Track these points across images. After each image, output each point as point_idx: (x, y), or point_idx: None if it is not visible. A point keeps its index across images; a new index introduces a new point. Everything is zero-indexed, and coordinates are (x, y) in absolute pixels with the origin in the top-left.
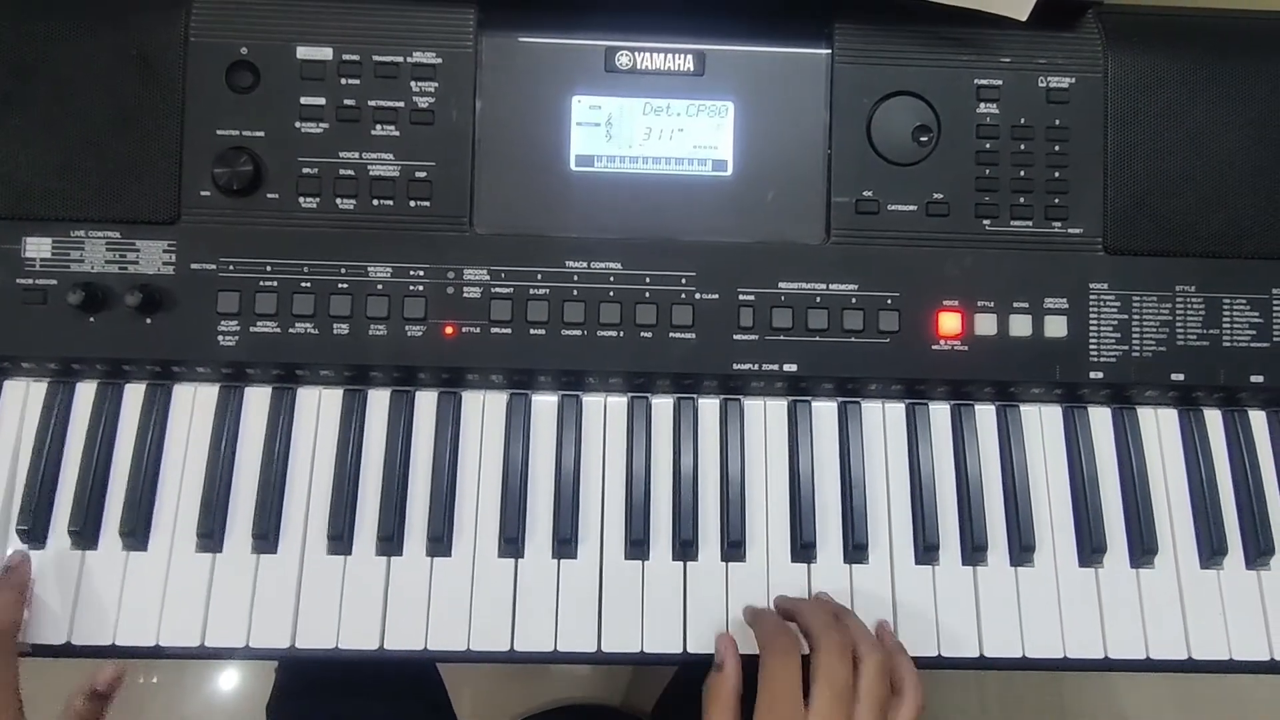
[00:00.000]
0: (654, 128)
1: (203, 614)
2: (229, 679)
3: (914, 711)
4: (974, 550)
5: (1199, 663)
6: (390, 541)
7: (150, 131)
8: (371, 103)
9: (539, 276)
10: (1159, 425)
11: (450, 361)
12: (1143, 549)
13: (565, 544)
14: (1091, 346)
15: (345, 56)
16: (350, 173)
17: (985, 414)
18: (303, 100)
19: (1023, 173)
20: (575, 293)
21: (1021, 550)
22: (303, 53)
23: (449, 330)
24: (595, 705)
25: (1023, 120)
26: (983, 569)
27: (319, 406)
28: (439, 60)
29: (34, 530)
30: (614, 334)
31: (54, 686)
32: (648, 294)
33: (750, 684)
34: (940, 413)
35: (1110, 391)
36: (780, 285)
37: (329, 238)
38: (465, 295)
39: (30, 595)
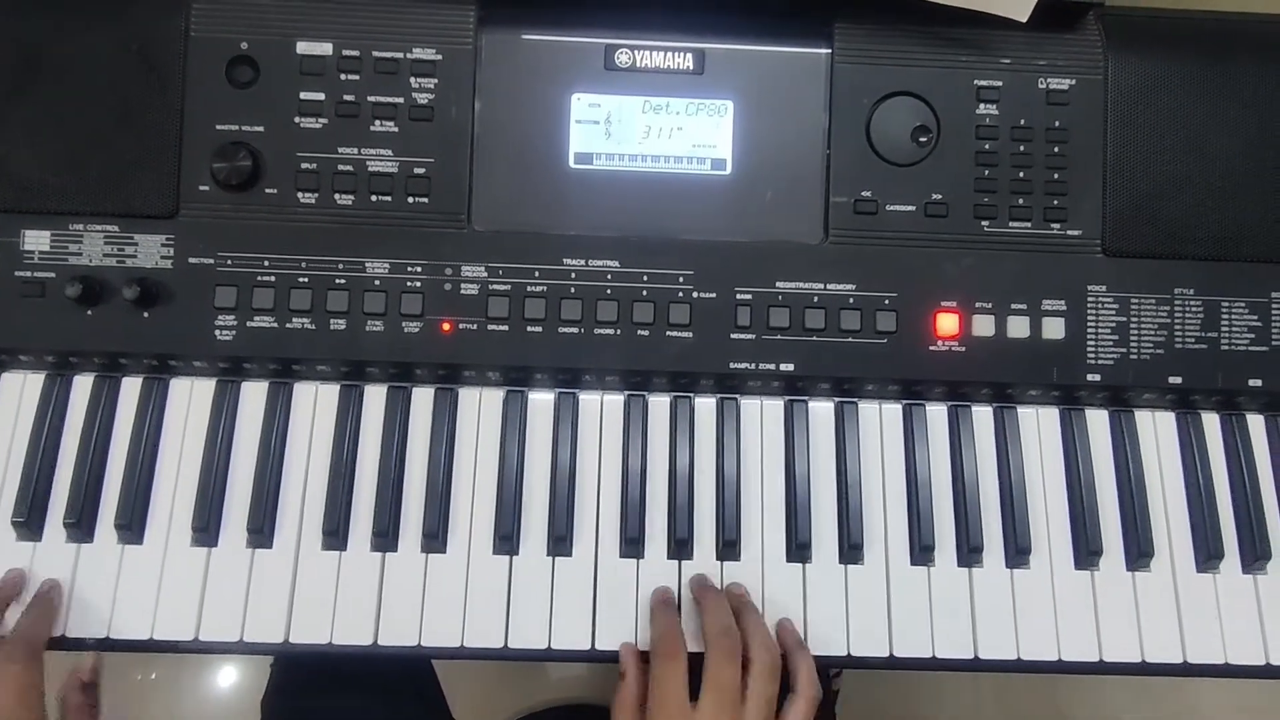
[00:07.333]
0: (653, 126)
1: (197, 608)
2: (226, 676)
3: (807, 706)
4: (970, 552)
5: (1194, 666)
6: (385, 538)
7: (150, 126)
8: (371, 99)
9: (536, 274)
10: (1156, 428)
11: (447, 358)
12: (1139, 552)
13: (560, 542)
14: (1089, 349)
15: (345, 52)
16: (349, 168)
17: (982, 415)
18: (302, 96)
19: (1022, 174)
20: (573, 290)
21: (1017, 552)
22: (303, 48)
23: (446, 327)
24: (590, 705)
25: (1022, 121)
26: (978, 570)
27: (315, 402)
28: (439, 57)
29: (29, 522)
30: (611, 332)
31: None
32: (645, 292)
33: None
34: (937, 414)
35: (1108, 394)
36: (778, 285)
37: (327, 233)
38: (463, 292)
39: (59, 615)
